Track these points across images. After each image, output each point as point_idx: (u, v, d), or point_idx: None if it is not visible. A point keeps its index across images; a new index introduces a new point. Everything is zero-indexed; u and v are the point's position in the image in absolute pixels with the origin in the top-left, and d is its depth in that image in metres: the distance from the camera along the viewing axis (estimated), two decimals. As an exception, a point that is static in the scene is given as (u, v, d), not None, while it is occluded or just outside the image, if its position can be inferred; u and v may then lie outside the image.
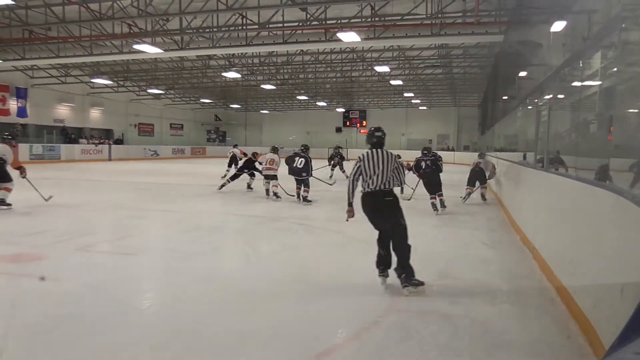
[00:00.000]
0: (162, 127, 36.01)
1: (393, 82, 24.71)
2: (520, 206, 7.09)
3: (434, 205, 8.78)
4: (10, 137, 8.67)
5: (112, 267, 5.03)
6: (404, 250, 4.18)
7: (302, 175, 10.28)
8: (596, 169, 3.95)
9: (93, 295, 4.16)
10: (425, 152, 9.43)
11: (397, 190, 4.61)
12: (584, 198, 3.70)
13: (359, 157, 4.46)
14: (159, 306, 4.04)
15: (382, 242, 4.41)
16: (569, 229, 4.08)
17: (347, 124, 40.58)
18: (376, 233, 4.56)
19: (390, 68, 21.11)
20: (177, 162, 28.43)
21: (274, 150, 11.09)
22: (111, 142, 29.20)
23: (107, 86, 27.37)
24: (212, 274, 4.86)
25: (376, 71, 22.44)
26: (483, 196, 10.75)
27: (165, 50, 15.30)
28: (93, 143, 27.86)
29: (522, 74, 9.09)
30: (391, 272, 4.51)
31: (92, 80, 25.16)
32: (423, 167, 9.07)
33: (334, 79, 26.77)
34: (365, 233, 6.98)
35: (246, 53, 19.69)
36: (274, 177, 10.69)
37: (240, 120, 43.76)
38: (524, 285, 4.61)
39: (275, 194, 10.53)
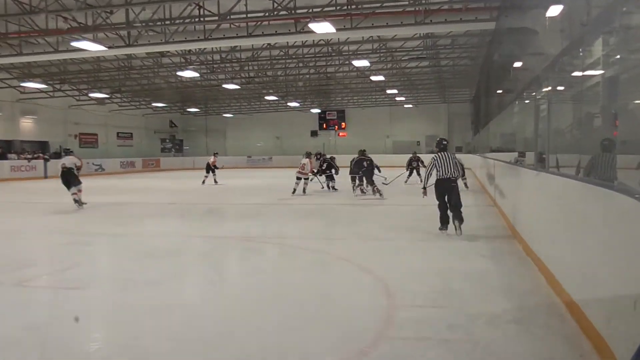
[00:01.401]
0: (107, 136, 35.52)
1: (374, 78, 24.99)
2: (521, 212, 7.22)
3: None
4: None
5: (54, 305, 4.92)
6: (459, 211, 7.90)
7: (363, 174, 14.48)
8: (584, 166, 4.04)
9: (32, 340, 4.05)
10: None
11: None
12: (593, 201, 3.76)
13: (434, 158, 8.06)
14: (111, 349, 3.96)
15: (442, 209, 8.08)
16: (577, 237, 4.15)
17: (324, 126, 40.88)
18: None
19: (370, 62, 21.37)
20: (127, 177, 28.07)
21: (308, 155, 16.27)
22: (47, 157, 27.58)
23: (40, 91, 26.79)
24: (171, 306, 4.80)
25: (354, 66, 22.69)
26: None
27: (109, 47, 15.16)
28: (25, 158, 26.65)
29: (517, 64, 9.31)
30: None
31: (23, 85, 24.67)
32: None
33: (307, 76, 26.94)
34: (348, 251, 7.06)
35: (205, 49, 19.66)
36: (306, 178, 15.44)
37: (199, 126, 43.61)
38: (529, 301, 4.69)
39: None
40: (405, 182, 18.55)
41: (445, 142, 8.24)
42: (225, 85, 26.22)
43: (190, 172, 34.73)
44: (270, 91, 30.71)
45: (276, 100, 34.11)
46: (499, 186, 10.72)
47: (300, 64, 23.28)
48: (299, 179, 15.33)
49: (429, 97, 34.93)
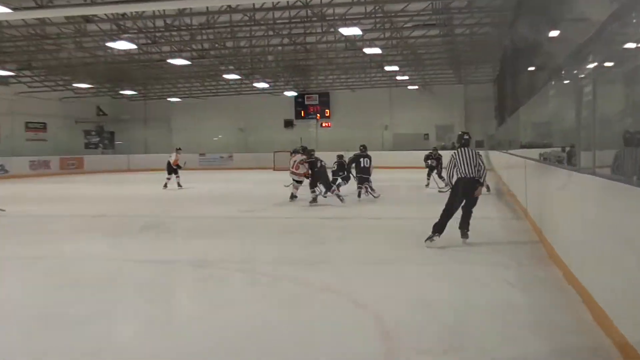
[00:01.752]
0: (13, 128, 35.16)
1: (368, 51, 25.09)
2: (561, 227, 7.29)
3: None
4: None
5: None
6: (470, 215, 8.97)
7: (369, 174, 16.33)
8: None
9: None
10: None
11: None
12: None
13: (454, 154, 8.92)
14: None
15: (447, 215, 8.80)
16: (635, 261, 4.17)
17: (302, 114, 41.09)
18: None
19: (362, 30, 21.44)
20: (40, 182, 27.81)
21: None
22: None
23: None
24: (102, 350, 4.80)
25: (342, 35, 22.75)
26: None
27: (14, 9, 15.02)
28: None
29: (553, 33, 9.41)
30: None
31: None
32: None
33: (280, 48, 26.98)
34: (337, 279, 7.09)
35: (144, 12, 19.58)
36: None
37: (136, 113, 43.51)
38: (570, 343, 4.75)
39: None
40: (427, 185, 19.81)
41: (467, 137, 9.18)
42: (170, 61, 26.15)
43: (125, 174, 34.57)
44: (231, 68, 30.68)
45: (238, 80, 34.08)
46: (532, 193, 10.84)
47: (271, 32, 23.29)
48: (297, 182, 16.13)
49: (440, 77, 35.22)
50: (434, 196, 16.66)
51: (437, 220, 8.83)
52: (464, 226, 9.01)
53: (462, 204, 8.87)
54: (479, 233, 9.31)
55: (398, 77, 34.46)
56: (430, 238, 8.73)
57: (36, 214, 14.45)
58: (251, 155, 38.85)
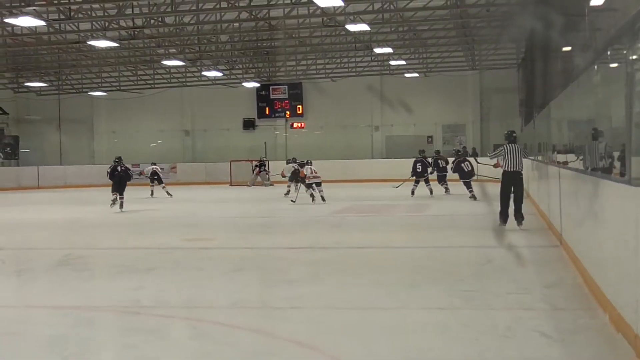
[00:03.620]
0: None
1: (351, 28, 25.15)
2: (608, 258, 7.26)
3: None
4: None
5: None
6: (521, 205, 13.69)
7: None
8: None
9: None
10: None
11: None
12: None
13: (504, 148, 13.68)
14: None
15: (505, 203, 13.61)
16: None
17: (266, 111, 41.15)
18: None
19: (344, 0, 21.45)
20: None
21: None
22: None
23: None
24: None
25: (318, 7, 22.75)
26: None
27: None
28: None
29: (597, 1, 9.43)
30: None
31: None
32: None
33: (236, 25, 26.94)
34: (310, 330, 6.98)
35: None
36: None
37: (48, 112, 43.27)
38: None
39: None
40: (430, 193, 23.56)
41: (515, 135, 13.89)
42: (92, 42, 25.99)
43: (34, 193, 34.21)
44: (172, 51, 30.62)
45: (182, 67, 33.99)
46: (569, 212, 10.83)
47: (224, 4, 23.26)
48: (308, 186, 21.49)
49: (447, 61, 35.43)
50: (439, 219, 16.71)
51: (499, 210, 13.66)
52: (518, 216, 13.62)
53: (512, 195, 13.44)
54: (497, 267, 9.29)
55: (392, 62, 34.65)
56: (501, 224, 13.67)
57: None
58: (200, 165, 38.78)
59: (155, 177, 28.02)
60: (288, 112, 41.13)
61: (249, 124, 41.44)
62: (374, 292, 8.69)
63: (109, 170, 21.85)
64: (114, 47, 27.44)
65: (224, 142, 40.13)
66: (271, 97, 41.19)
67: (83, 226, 17.96)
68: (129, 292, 9.10)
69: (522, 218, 13.60)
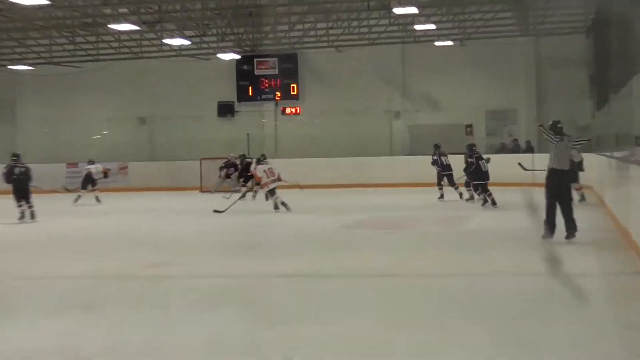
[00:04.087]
0: None
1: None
2: None
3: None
4: None
5: None
6: (570, 212, 14.52)
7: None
8: None
9: None
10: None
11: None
12: None
13: (556, 141, 14.60)
14: None
15: (551, 210, 14.52)
16: None
17: (249, 92, 41.05)
18: None
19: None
20: None
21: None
22: None
23: None
24: None
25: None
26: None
27: None
28: None
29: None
30: None
31: None
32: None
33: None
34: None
35: None
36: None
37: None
38: None
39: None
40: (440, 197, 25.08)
41: (560, 125, 14.62)
42: (15, -1, 26.02)
43: None
44: (123, 11, 30.60)
45: (136, 32, 33.97)
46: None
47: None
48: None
49: (492, 24, 35.30)
50: (479, 236, 16.72)
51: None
52: (569, 226, 14.39)
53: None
54: (560, 302, 9.28)
55: (417, 27, 34.51)
56: (546, 236, 14.49)
57: None
58: (161, 165, 38.63)
59: (90, 182, 29.04)
60: (278, 94, 40.83)
61: (226, 110, 41.25)
62: (394, 337, 8.63)
63: (4, 171, 22.51)
64: (44, 4, 27.43)
65: (192, 133, 39.92)
66: (256, 73, 40.89)
67: (2, 247, 17.88)
68: (64, 337, 9.03)
69: (575, 229, 14.39)
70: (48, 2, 26.91)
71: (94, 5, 29.67)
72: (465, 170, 24.48)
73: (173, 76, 40.60)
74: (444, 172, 26.27)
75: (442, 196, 26.07)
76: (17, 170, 21.89)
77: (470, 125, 38.22)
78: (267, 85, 40.96)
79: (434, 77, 39.10)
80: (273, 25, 35.68)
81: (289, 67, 40.64)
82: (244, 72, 40.92)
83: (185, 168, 36.86)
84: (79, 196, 28.10)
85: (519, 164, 26.89)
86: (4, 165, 22.88)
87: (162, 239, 18.84)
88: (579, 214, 15.24)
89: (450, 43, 37.63)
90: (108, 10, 30.30)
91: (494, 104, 38.66)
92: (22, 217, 21.80)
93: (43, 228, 20.92)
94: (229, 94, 41.27)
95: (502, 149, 36.27)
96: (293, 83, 40.70)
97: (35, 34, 35.57)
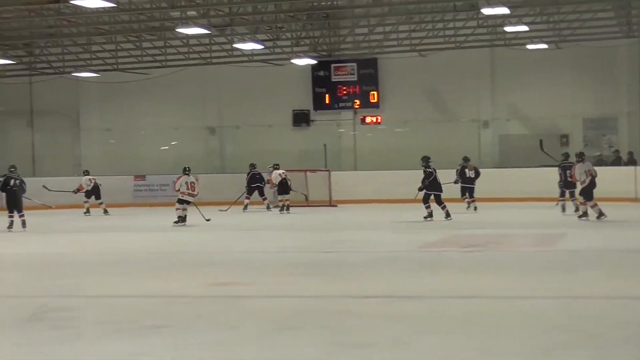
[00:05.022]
0: None
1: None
2: None
3: None
4: None
5: None
6: None
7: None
8: None
9: None
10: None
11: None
12: None
13: None
14: None
15: None
16: None
17: (326, 100, 40.97)
18: None
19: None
20: None
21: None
22: None
23: None
24: None
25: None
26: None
27: None
28: None
29: None
30: None
31: None
32: None
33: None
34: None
35: None
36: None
37: (15, 101, 44.06)
38: None
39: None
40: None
41: None
42: (78, 1, 26.25)
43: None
44: (191, 14, 30.78)
45: (205, 36, 34.15)
46: None
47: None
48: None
49: (590, 24, 34.85)
50: (578, 256, 16.51)
51: None
52: None
53: None
54: None
55: (508, 28, 34.31)
56: None
57: None
58: (228, 178, 38.35)
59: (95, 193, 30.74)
60: (357, 102, 40.65)
61: (301, 119, 41.20)
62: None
63: (0, 182, 25.06)
64: (110, 7, 27.64)
65: (264, 144, 40.00)
66: (333, 80, 40.79)
67: (64, 263, 18.02)
68: (131, 359, 9.12)
69: None
70: (113, 5, 27.09)
71: (161, 8, 29.78)
72: (422, 181, 25.90)
73: (244, 83, 40.70)
74: (466, 185, 28.88)
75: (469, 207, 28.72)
76: (12, 182, 24.42)
77: (566, 136, 37.85)
78: (345, 92, 40.84)
79: (526, 83, 38.83)
80: (351, 28, 35.69)
81: (369, 72, 40.53)
82: (320, 78, 40.90)
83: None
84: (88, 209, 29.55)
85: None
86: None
87: (230, 257, 18.89)
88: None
89: (544, 46, 37.31)
90: (176, 14, 30.41)
91: (592, 112, 38.16)
92: (10, 226, 24.36)
93: (104, 244, 21.07)
94: (304, 101, 41.28)
95: (601, 161, 35.74)
96: (373, 90, 40.50)
97: (100, 39, 35.89)
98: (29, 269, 17.60)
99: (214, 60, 38.97)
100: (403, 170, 33.78)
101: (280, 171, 31.23)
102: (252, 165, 33.29)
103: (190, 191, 26.55)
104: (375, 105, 40.50)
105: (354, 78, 40.63)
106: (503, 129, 38.98)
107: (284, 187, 31.34)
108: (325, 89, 40.95)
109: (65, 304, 13.13)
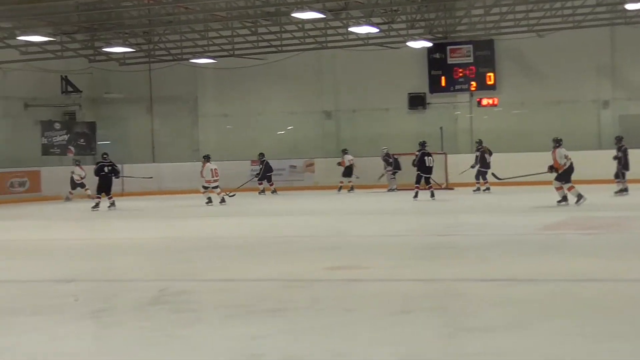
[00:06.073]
0: None
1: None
2: None
3: None
4: None
5: None
6: None
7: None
8: None
9: None
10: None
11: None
12: None
13: None
14: None
15: None
16: None
17: (442, 82, 40.86)
18: None
19: None
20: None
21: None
22: None
23: None
24: None
25: None
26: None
27: None
28: None
29: None
30: None
31: None
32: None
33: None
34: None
35: None
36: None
37: (135, 89, 44.60)
38: None
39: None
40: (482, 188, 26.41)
41: None
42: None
43: (119, 201, 34.87)
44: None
45: (321, 20, 34.18)
46: None
47: None
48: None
49: None
50: None
51: None
52: None
53: None
54: None
55: (629, 6, 33.68)
56: None
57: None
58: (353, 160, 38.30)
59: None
60: (474, 84, 40.38)
61: (417, 102, 40.99)
62: (611, 347, 8.37)
63: (95, 168, 28.47)
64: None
65: (379, 127, 40.10)
66: (449, 62, 40.60)
67: (183, 249, 18.26)
68: (247, 343, 9.12)
69: None
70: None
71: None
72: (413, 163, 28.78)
73: (359, 67, 40.77)
74: (482, 169, 31.08)
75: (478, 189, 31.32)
76: (105, 169, 27.56)
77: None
78: (461, 74, 40.61)
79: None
80: (467, 9, 35.43)
81: (485, 54, 40.28)
82: (436, 60, 40.76)
83: (372, 164, 36.94)
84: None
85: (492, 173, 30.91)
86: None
87: (347, 241, 18.95)
88: None
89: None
90: (292, 0, 30.53)
91: None
92: (96, 206, 27.90)
93: (224, 229, 21.20)
94: (420, 84, 41.13)
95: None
96: (490, 72, 40.20)
97: (217, 26, 36.18)
98: (149, 252, 17.88)
99: (330, 45, 39.06)
100: (520, 152, 33.49)
101: (350, 157, 34.92)
102: (262, 155, 36.77)
103: (215, 177, 29.52)
104: (492, 87, 40.20)
105: (470, 60, 40.41)
106: (624, 109, 38.31)
107: (348, 171, 34.98)
108: (441, 71, 40.79)
109: (184, 288, 13.33)
